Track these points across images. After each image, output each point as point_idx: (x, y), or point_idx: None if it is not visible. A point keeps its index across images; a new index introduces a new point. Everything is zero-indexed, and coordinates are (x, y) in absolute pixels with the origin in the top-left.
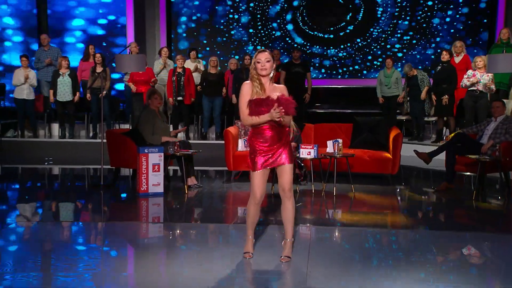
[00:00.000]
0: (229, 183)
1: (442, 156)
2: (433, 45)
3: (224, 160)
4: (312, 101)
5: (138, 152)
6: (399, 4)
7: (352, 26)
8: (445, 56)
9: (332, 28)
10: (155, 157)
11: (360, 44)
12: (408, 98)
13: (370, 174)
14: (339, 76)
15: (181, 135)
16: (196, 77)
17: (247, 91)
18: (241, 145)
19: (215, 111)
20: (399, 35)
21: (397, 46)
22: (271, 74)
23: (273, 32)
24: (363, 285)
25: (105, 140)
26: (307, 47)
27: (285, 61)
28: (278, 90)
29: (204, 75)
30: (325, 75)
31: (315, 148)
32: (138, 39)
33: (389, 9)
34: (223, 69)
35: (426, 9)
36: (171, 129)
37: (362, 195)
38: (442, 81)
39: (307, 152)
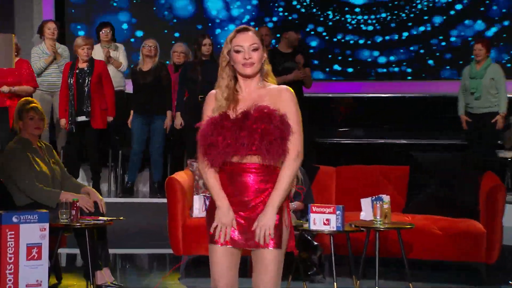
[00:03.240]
0: (174, 279)
1: None
2: None
3: (167, 235)
4: (333, 123)
5: None
6: None
7: None
8: None
9: None
10: (33, 232)
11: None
12: None
13: (445, 263)
14: (382, 78)
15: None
16: (114, 78)
17: (209, 106)
18: (198, 206)
19: (152, 142)
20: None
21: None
22: (262, 70)
23: None
24: None
25: None
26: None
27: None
28: (272, 97)
29: (134, 76)
30: (355, 77)
31: (338, 212)
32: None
33: None
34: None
35: None
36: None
37: None
38: None
39: (323, 220)
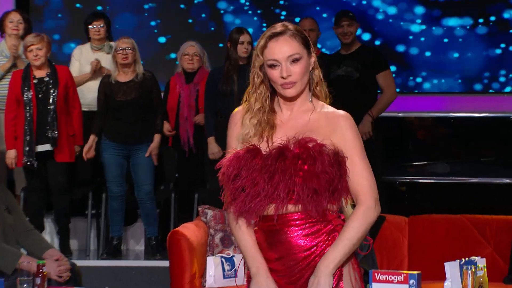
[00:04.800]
0: None
1: None
2: None
3: None
4: (404, 154)
5: None
6: None
7: None
8: None
9: None
10: None
11: None
12: None
13: None
14: (474, 91)
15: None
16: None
17: (233, 130)
18: (214, 273)
19: (138, 183)
20: None
21: None
22: (310, 82)
23: None
24: None
25: None
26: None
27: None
28: (324, 125)
29: (106, 89)
30: (435, 89)
31: (412, 281)
32: None
33: None
34: (161, 71)
35: None
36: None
37: None
38: None
39: None
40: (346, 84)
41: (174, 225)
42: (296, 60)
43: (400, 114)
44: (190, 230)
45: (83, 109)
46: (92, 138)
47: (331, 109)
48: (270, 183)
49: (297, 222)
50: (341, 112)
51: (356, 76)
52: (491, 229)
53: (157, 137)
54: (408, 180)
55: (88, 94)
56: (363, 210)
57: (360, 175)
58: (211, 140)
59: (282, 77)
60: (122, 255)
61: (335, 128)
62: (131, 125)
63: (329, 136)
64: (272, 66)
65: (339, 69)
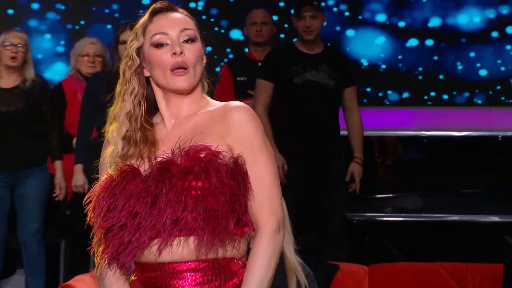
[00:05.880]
0: None
1: None
2: None
3: None
4: (363, 185)
5: None
6: None
7: None
8: None
9: None
10: None
11: None
12: None
13: None
14: (451, 103)
15: None
16: None
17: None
18: None
19: (22, 220)
20: None
21: None
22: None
23: None
24: None
25: None
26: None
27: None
28: (215, 126)
29: None
30: (402, 101)
31: None
32: None
33: None
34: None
35: None
36: None
37: None
38: None
39: None
40: (319, 92)
41: (65, 278)
42: (191, 40)
43: None
44: (85, 284)
45: None
46: None
47: (218, 103)
48: (152, 210)
49: (189, 273)
50: (234, 103)
51: (331, 85)
52: (474, 280)
53: (58, 165)
54: (367, 218)
55: None
56: (268, 239)
57: (264, 190)
58: (78, 169)
59: (174, 53)
60: None
61: (229, 126)
62: (16, 145)
63: (223, 137)
64: (158, 45)
65: (306, 72)
